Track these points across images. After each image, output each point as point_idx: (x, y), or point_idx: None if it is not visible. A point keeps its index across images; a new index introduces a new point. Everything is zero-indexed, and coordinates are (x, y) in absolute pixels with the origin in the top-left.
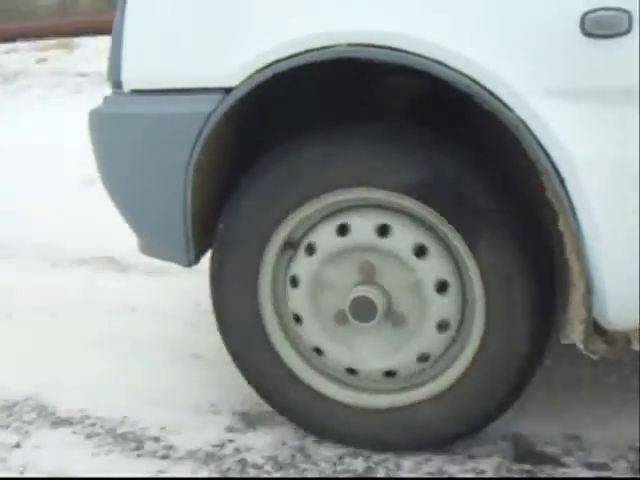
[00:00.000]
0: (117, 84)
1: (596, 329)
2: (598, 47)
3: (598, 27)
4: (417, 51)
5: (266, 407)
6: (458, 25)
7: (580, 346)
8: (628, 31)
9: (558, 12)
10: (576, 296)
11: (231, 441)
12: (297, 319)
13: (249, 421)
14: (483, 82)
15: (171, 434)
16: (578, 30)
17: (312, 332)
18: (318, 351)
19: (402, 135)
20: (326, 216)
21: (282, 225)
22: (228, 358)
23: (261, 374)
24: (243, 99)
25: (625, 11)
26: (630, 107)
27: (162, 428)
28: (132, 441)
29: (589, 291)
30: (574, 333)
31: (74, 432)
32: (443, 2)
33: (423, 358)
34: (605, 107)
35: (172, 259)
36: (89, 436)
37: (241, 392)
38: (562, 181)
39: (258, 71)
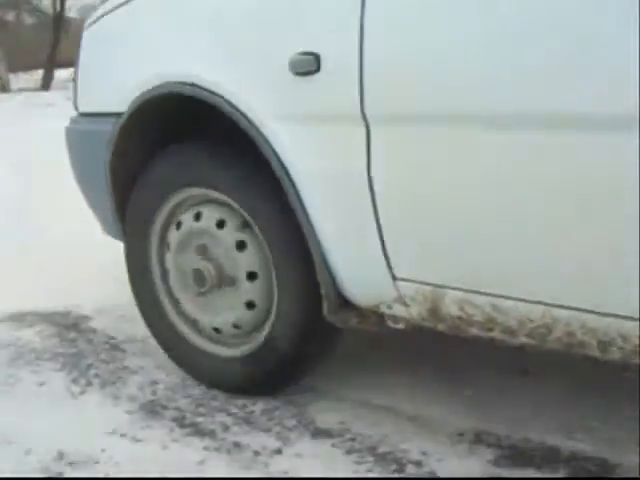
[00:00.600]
0: (76, 108)
1: (348, 305)
2: (301, 83)
3: (298, 67)
4: (205, 86)
5: (532, 443)
6: (226, 68)
7: (327, 318)
8: (317, 70)
9: (277, 56)
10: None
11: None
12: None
13: (516, 456)
14: (242, 109)
15: (434, 460)
16: (288, 70)
17: (176, 288)
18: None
19: (217, 150)
20: (192, 205)
21: (162, 207)
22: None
23: (156, 329)
24: (126, 121)
25: (314, 54)
26: (341, 128)
27: (424, 453)
28: (393, 462)
29: (326, 275)
30: (324, 307)
31: (333, 445)
32: (219, 54)
33: (237, 327)
34: (321, 129)
35: (114, 236)
36: (349, 451)
37: (507, 424)
38: (297, 191)
39: (132, 102)
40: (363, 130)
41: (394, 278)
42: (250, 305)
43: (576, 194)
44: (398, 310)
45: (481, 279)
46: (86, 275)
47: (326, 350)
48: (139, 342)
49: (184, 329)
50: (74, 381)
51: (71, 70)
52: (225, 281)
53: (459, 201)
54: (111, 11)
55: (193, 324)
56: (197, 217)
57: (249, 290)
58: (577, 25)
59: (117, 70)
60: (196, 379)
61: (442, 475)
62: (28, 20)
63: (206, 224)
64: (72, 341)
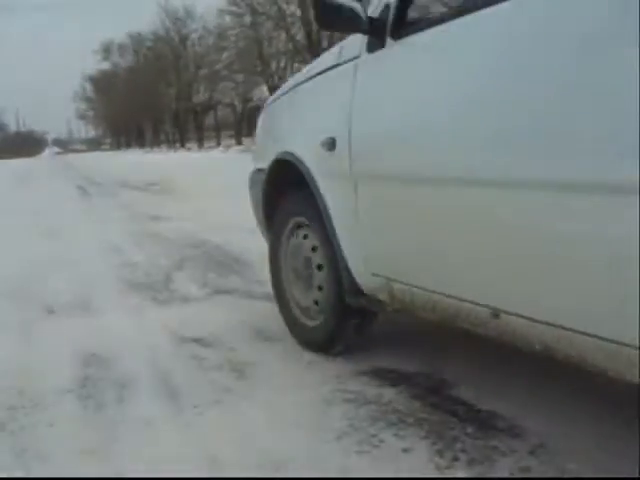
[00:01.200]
0: (254, 163)
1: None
2: (327, 155)
3: (326, 146)
4: (297, 156)
5: None
6: (302, 146)
7: (347, 301)
8: (334, 148)
9: (317, 139)
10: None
11: None
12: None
13: None
14: (307, 169)
15: None
16: (321, 147)
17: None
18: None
19: (305, 194)
20: (300, 226)
21: (286, 226)
22: None
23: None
24: (267, 174)
25: (332, 138)
26: (343, 181)
27: None
28: None
29: (344, 271)
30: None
31: None
32: (300, 138)
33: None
34: (336, 182)
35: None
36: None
37: None
38: (329, 217)
39: (270, 163)
40: (352, 183)
41: (371, 274)
42: (320, 288)
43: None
44: (381, 296)
45: (418, 278)
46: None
47: (363, 322)
48: (508, 421)
49: (296, 311)
50: (439, 453)
51: None
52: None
53: (406, 231)
54: (274, 99)
55: (297, 304)
56: (297, 234)
57: (318, 277)
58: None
59: (266, 142)
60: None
61: None
62: None
63: (299, 238)
64: (434, 407)
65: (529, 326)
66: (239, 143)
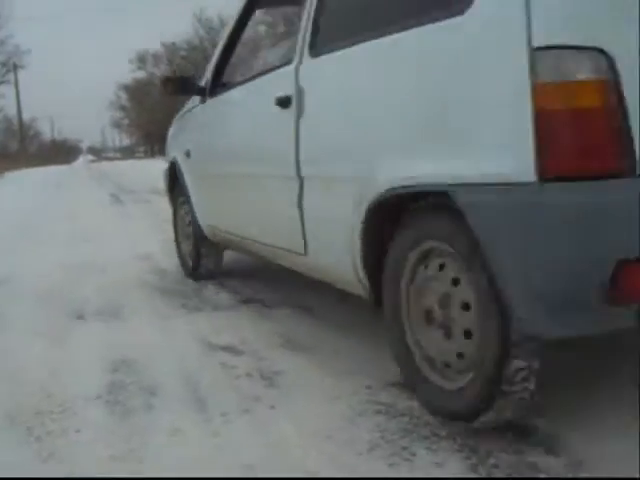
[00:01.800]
0: None
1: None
2: None
3: None
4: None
5: None
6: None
7: None
8: None
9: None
10: None
11: None
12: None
13: None
14: None
15: None
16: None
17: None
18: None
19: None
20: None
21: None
22: None
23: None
24: (169, 169)
25: None
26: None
27: None
28: None
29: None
30: None
31: None
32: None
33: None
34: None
35: None
36: None
37: None
38: None
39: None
40: (197, 176)
41: (207, 225)
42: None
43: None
44: (212, 238)
45: (224, 226)
46: None
47: None
48: (545, 436)
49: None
50: (473, 468)
51: None
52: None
53: (217, 200)
54: (175, 119)
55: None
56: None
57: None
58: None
59: (168, 149)
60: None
61: None
62: None
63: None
64: None
65: (262, 246)
66: None
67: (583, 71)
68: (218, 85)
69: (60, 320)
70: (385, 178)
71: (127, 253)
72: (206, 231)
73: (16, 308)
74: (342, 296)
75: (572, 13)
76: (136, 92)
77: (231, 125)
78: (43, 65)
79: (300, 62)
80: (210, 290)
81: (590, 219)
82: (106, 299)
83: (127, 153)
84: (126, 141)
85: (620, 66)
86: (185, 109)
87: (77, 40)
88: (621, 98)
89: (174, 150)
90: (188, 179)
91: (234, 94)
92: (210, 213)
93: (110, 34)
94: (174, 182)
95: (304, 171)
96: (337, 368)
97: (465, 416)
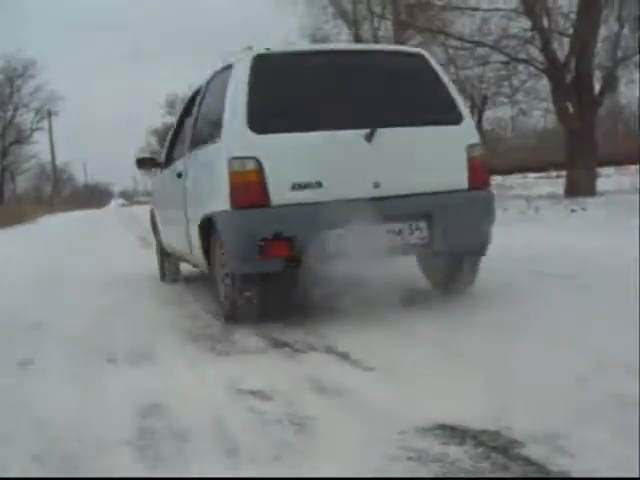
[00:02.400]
0: None
1: None
2: None
3: None
4: None
5: None
6: None
7: None
8: None
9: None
10: None
11: None
12: None
13: None
14: None
15: None
16: None
17: None
18: None
19: None
20: None
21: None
22: None
23: None
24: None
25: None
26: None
27: None
28: None
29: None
30: None
31: None
32: None
33: None
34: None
35: None
36: None
37: None
38: None
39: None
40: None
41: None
42: None
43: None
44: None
45: (171, 245)
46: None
47: None
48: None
49: None
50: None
51: None
52: None
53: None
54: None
55: None
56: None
57: None
58: None
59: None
60: None
61: None
62: None
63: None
64: (504, 468)
65: (181, 254)
66: None
67: (248, 166)
68: (167, 161)
69: (91, 364)
70: (204, 212)
71: (156, 294)
72: (167, 249)
73: (48, 352)
74: (371, 337)
75: (244, 144)
76: (165, 136)
77: (164, 187)
78: (76, 111)
79: (185, 155)
80: (239, 333)
81: (250, 222)
82: (137, 342)
83: None
84: None
85: (264, 163)
86: (155, 176)
87: (109, 86)
88: (263, 176)
89: (151, 202)
90: (157, 219)
91: (167, 169)
92: (165, 238)
93: (142, 80)
94: (153, 221)
95: (188, 213)
96: (369, 414)
97: (227, 318)
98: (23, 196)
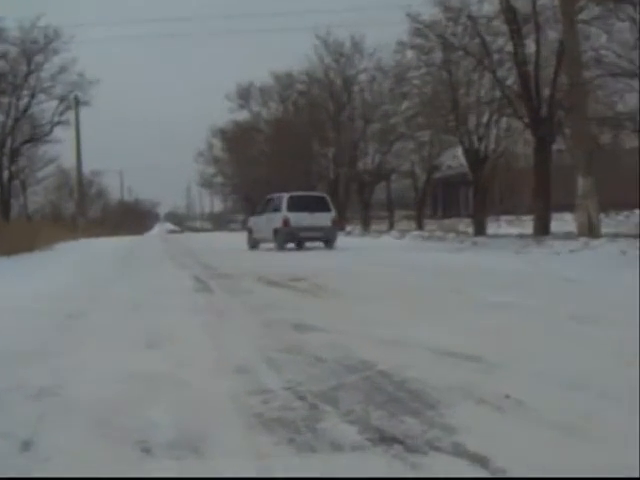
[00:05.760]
0: None
1: None
2: None
3: None
4: None
5: None
6: None
7: None
8: None
9: None
10: None
11: None
12: None
13: None
14: None
15: None
16: None
17: None
18: None
19: None
20: None
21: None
22: None
23: None
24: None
25: None
26: None
27: None
28: None
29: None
30: None
31: None
32: None
33: None
34: None
35: None
36: None
37: None
38: None
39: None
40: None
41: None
42: None
43: None
44: None
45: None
46: None
47: None
48: None
49: None
50: None
51: None
52: None
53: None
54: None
55: None
56: None
57: None
58: None
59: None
60: None
61: None
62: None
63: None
64: None
65: (267, 240)
66: (420, 227)
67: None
68: (260, 212)
69: (120, 454)
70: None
71: (213, 364)
72: (256, 239)
73: (62, 435)
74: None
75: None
76: (235, 139)
77: (261, 220)
78: (112, 101)
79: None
80: (330, 419)
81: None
82: (181, 425)
83: (219, 222)
84: (219, 206)
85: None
86: (254, 216)
87: (156, 70)
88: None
89: (249, 222)
90: (253, 230)
91: (263, 215)
92: (256, 235)
93: (201, 62)
94: (248, 230)
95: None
96: None
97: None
98: (36, 214)
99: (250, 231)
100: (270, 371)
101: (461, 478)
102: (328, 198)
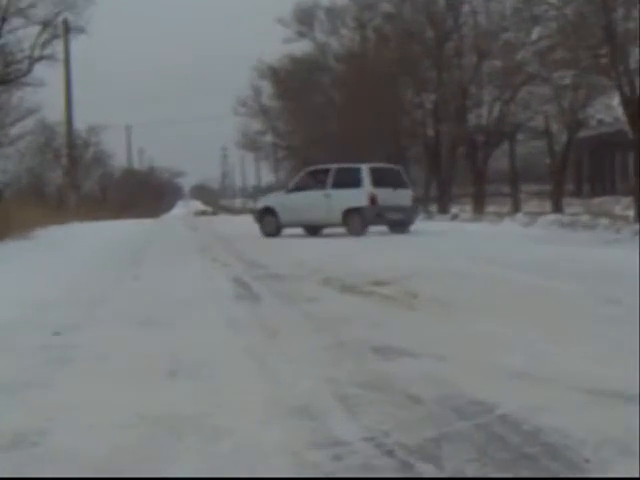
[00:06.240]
0: None
1: None
2: None
3: None
4: None
5: None
6: None
7: None
8: None
9: None
10: None
11: None
12: None
13: None
14: None
15: None
16: None
17: None
18: None
19: None
20: None
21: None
22: None
23: None
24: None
25: None
26: None
27: None
28: None
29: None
30: None
31: None
32: None
33: None
34: None
35: None
36: None
37: None
38: None
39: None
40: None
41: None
42: None
43: None
44: None
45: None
46: None
47: None
48: None
49: None
50: None
51: None
52: None
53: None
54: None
55: None
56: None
57: None
58: None
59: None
60: None
61: None
62: None
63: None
64: None
65: (305, 222)
66: (557, 208)
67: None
68: (290, 189)
69: None
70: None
71: (264, 408)
72: (283, 223)
73: None
74: None
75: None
76: (292, 82)
77: (294, 201)
78: (116, 30)
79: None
80: None
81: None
82: None
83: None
84: (268, 177)
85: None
86: (275, 194)
87: None
88: None
89: (269, 202)
90: (277, 211)
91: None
92: (283, 218)
93: None
94: (265, 211)
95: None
96: None
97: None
98: (7, 187)
99: (271, 212)
100: (344, 414)
101: (462, 478)
102: (404, 171)
